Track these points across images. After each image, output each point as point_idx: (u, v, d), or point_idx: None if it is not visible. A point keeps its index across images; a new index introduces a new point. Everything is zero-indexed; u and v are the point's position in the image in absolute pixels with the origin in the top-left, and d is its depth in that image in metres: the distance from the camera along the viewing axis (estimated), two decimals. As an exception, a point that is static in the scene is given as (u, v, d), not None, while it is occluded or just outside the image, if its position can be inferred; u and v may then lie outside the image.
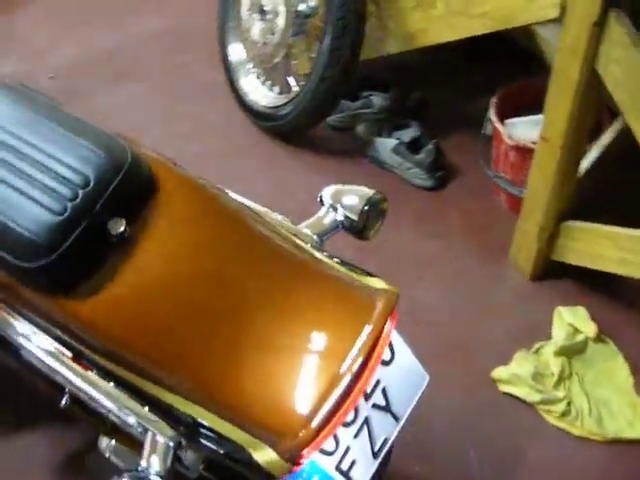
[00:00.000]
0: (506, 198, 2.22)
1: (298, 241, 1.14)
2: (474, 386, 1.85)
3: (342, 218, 1.22)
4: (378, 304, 1.04)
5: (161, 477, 1.01)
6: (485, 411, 1.81)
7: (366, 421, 1.11)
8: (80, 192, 1.02)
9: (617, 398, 1.81)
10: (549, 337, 1.91)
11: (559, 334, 1.90)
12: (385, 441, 1.15)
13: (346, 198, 1.23)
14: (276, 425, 0.96)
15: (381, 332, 1.02)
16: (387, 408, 1.14)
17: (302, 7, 2.25)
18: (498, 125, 2.09)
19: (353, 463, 1.10)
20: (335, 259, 1.14)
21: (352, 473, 1.10)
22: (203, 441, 1.04)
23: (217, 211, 1.11)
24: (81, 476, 1.69)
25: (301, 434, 0.94)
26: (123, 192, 1.04)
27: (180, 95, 2.72)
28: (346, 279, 1.10)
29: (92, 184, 1.03)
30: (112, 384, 1.10)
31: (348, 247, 2.12)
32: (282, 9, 2.27)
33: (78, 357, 1.12)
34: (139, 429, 1.06)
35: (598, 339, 1.90)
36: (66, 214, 1.01)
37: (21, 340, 1.19)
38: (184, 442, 1.05)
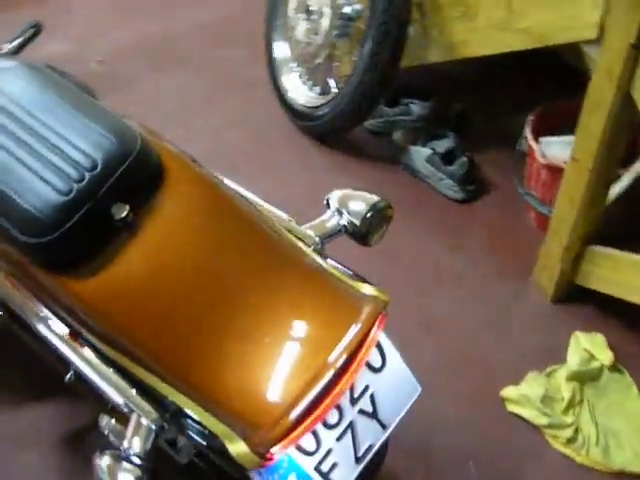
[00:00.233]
0: (535, 217, 2.20)
1: (296, 240, 1.15)
2: (482, 402, 1.83)
3: (346, 222, 1.23)
4: (365, 308, 1.04)
5: (140, 459, 1.03)
6: (490, 429, 1.79)
7: (351, 425, 1.11)
8: (87, 175, 1.05)
9: (627, 430, 1.77)
10: (564, 361, 1.88)
11: (574, 359, 1.86)
12: (370, 447, 1.15)
13: (352, 203, 1.23)
14: (251, 418, 0.97)
15: (366, 335, 1.02)
16: (374, 415, 1.14)
17: (347, 10, 2.26)
18: (532, 143, 2.07)
19: (334, 466, 1.10)
20: (331, 262, 1.15)
21: (332, 476, 1.10)
22: (184, 428, 1.06)
23: (221, 206, 1.12)
24: (83, 451, 1.73)
25: (274, 429, 0.95)
26: (129, 179, 1.06)
27: (222, 88, 2.76)
28: (338, 282, 1.11)
29: (99, 168, 1.05)
30: (105, 364, 1.12)
31: (370, 252, 2.14)
32: (327, 10, 2.29)
33: (75, 335, 1.16)
34: (125, 410, 1.08)
35: (614, 368, 1.86)
36: (71, 195, 1.04)
37: (28, 314, 1.22)
38: (167, 427, 1.07)
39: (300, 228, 1.20)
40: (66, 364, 1.23)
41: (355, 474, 1.14)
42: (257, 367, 1.00)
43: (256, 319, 1.03)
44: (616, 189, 1.90)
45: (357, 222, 1.22)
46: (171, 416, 1.07)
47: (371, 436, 1.15)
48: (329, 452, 1.09)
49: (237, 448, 0.97)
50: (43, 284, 1.12)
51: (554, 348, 1.92)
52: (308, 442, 1.06)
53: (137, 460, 1.03)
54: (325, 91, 2.48)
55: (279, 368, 1.01)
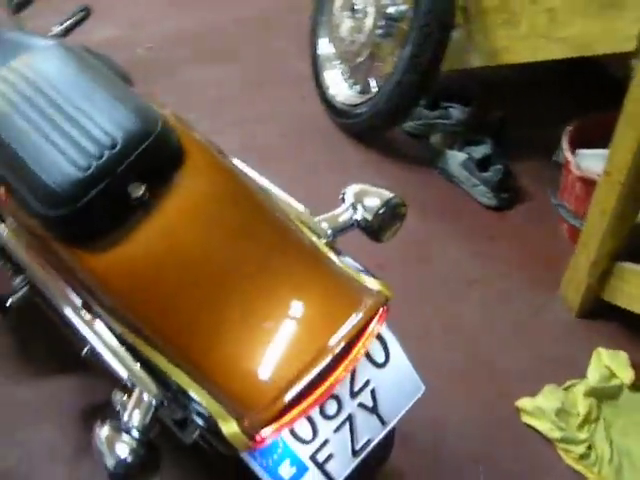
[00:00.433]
0: (568, 229, 2.17)
1: (306, 231, 1.17)
2: (496, 410, 1.82)
3: (359, 217, 1.23)
4: (367, 300, 1.05)
5: (139, 432, 1.06)
6: (502, 438, 1.77)
7: (349, 418, 1.12)
8: (106, 153, 1.08)
9: (642, 451, 1.74)
10: (583, 376, 1.85)
11: (594, 375, 1.84)
12: (368, 442, 1.16)
13: (366, 198, 1.24)
14: (246, 399, 0.99)
15: (366, 326, 1.02)
16: (374, 410, 1.15)
17: (391, 10, 2.26)
18: (568, 154, 2.04)
19: (330, 457, 1.11)
20: (340, 255, 1.16)
21: (328, 466, 1.11)
22: (183, 405, 1.08)
23: (236, 193, 1.14)
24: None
25: (266, 411, 0.96)
26: (147, 159, 1.09)
27: (264, 81, 2.79)
28: (343, 273, 1.12)
29: (119, 147, 1.08)
30: (113, 337, 1.16)
31: (401, 254, 2.15)
32: (372, 10, 2.29)
33: (88, 308, 1.19)
34: (129, 384, 1.11)
35: (634, 388, 1.82)
36: (89, 171, 1.07)
37: (46, 286, 1.26)
38: (167, 404, 1.09)
39: (314, 219, 1.21)
40: (83, 339, 1.27)
41: (351, 467, 1.14)
42: (255, 350, 1.02)
43: (259, 303, 1.05)
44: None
45: (370, 217, 1.22)
46: (173, 395, 1.10)
47: (370, 431, 1.15)
48: (326, 442, 1.10)
49: (229, 428, 0.98)
50: (60, 257, 1.16)
51: (575, 363, 1.89)
52: (304, 430, 1.07)
53: (135, 433, 1.05)
54: (365, 90, 2.48)
55: (276, 352, 1.02)
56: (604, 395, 1.81)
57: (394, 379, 1.15)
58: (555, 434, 1.74)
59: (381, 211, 1.22)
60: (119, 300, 1.09)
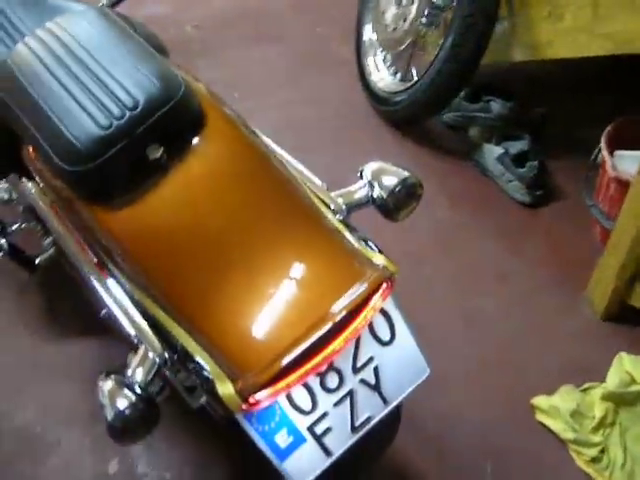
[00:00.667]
0: (600, 231, 2.13)
1: (319, 203, 1.18)
2: (510, 406, 1.81)
3: (375, 195, 1.23)
4: (372, 273, 1.05)
5: (141, 388, 1.08)
6: (514, 434, 1.76)
7: (350, 393, 1.12)
8: (127, 113, 1.10)
9: (656, 460, 1.71)
10: (602, 380, 1.82)
11: (613, 379, 1.81)
12: (368, 419, 1.16)
13: (384, 176, 1.24)
14: (242, 361, 1.00)
15: (369, 298, 1.03)
16: (376, 388, 1.15)
17: (436, -1, 2.25)
18: (605, 154, 2.00)
19: (328, 430, 1.12)
20: (352, 229, 1.16)
21: (326, 439, 1.12)
22: (185, 366, 1.10)
23: (253, 163, 1.16)
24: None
25: (261, 374, 0.98)
26: (167, 123, 1.11)
27: (308, 64, 2.80)
28: (350, 246, 1.12)
29: (140, 108, 1.10)
30: (125, 296, 1.18)
31: (430, 244, 2.14)
32: (418, -2, 2.28)
33: (102, 265, 1.22)
34: (135, 341, 1.14)
35: (654, 395, 1.79)
36: (109, 130, 1.09)
37: (65, 242, 1.30)
38: (170, 363, 1.11)
39: (330, 194, 1.22)
40: (100, 299, 1.30)
41: (350, 442, 1.15)
42: (256, 314, 1.04)
43: (264, 269, 1.06)
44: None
45: (385, 195, 1.22)
46: (177, 355, 1.12)
47: (371, 408, 1.16)
48: (324, 415, 1.11)
49: (224, 389, 1.00)
50: (79, 216, 1.19)
51: (595, 365, 1.86)
52: (303, 400, 1.08)
53: (137, 389, 1.08)
54: (406, 78, 2.47)
55: (276, 317, 1.03)
56: (622, 400, 1.78)
57: (399, 359, 1.15)
58: (568, 435, 1.72)
59: (397, 190, 1.22)
60: (131, 259, 1.12)
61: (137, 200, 1.10)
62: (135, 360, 1.11)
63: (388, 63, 2.54)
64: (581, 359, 1.90)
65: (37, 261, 1.68)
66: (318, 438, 1.11)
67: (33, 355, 1.89)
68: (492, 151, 2.35)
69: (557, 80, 2.61)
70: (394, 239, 2.10)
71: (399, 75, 2.50)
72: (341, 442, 1.14)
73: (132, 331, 1.15)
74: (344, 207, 1.21)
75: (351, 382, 1.12)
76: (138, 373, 1.09)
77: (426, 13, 2.28)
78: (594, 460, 1.70)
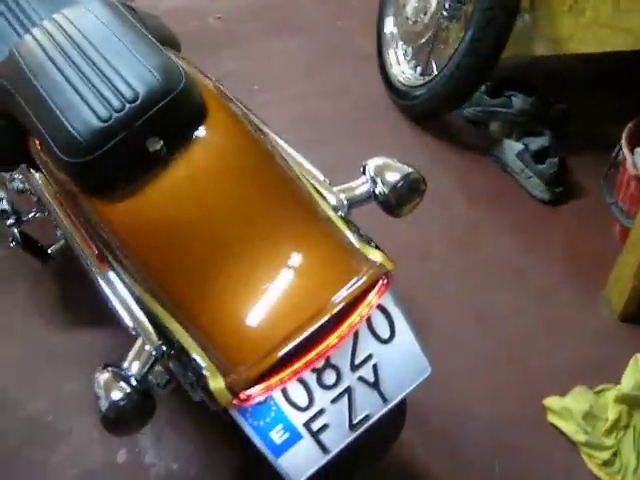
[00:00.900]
0: (620, 229, 2.09)
1: (319, 198, 1.17)
2: (521, 406, 1.78)
3: (378, 191, 1.22)
4: (368, 270, 1.04)
5: (136, 380, 1.08)
6: (524, 434, 1.74)
7: (348, 390, 1.11)
8: (127, 106, 1.11)
9: (670, 465, 1.67)
10: (617, 382, 1.79)
11: (629, 381, 1.77)
12: (367, 417, 1.15)
13: (387, 172, 1.22)
14: (237, 355, 1.00)
15: (364, 295, 1.02)
16: (375, 386, 1.13)
17: (457, -8, 2.21)
18: (626, 151, 1.96)
19: (325, 427, 1.11)
20: (352, 225, 1.15)
21: (322, 436, 1.11)
22: (180, 359, 1.10)
23: (253, 158, 1.16)
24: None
25: (253, 369, 0.97)
26: (166, 115, 1.12)
27: (329, 57, 2.78)
28: (348, 242, 1.12)
29: (139, 101, 1.11)
30: (124, 288, 1.19)
31: (447, 240, 2.12)
32: (438, -9, 2.25)
33: (102, 257, 1.22)
34: (133, 333, 1.14)
35: (670, 399, 1.75)
36: (109, 122, 1.10)
37: (68, 233, 1.31)
38: (166, 356, 1.11)
39: (332, 189, 1.21)
40: (102, 292, 1.30)
41: (348, 440, 1.14)
42: (250, 308, 1.03)
43: (261, 263, 1.06)
44: None
45: (386, 191, 1.21)
46: (174, 348, 1.12)
47: (370, 406, 1.14)
48: (321, 412, 1.10)
49: (216, 383, 1.00)
50: (80, 207, 1.20)
51: (610, 366, 1.83)
52: (300, 397, 1.08)
53: (133, 381, 1.08)
54: (426, 72, 2.44)
55: (271, 311, 1.03)
56: (636, 403, 1.74)
57: (398, 357, 1.14)
58: (580, 437, 1.70)
59: (399, 185, 1.20)
60: (129, 251, 1.12)
61: (137, 193, 1.10)
62: (132, 352, 1.12)
63: (409, 56, 2.51)
64: (596, 359, 1.87)
65: (50, 251, 1.70)
66: (315, 435, 1.10)
67: (48, 345, 1.91)
68: (512, 147, 2.31)
69: (578, 75, 2.56)
70: (408, 235, 2.09)
71: (419, 69, 2.47)
72: (339, 439, 1.13)
73: (130, 323, 1.16)
74: (346, 202, 1.20)
75: (349, 379, 1.11)
76: (134, 365, 1.10)
77: (447, 6, 2.25)
78: (606, 464, 1.67)
